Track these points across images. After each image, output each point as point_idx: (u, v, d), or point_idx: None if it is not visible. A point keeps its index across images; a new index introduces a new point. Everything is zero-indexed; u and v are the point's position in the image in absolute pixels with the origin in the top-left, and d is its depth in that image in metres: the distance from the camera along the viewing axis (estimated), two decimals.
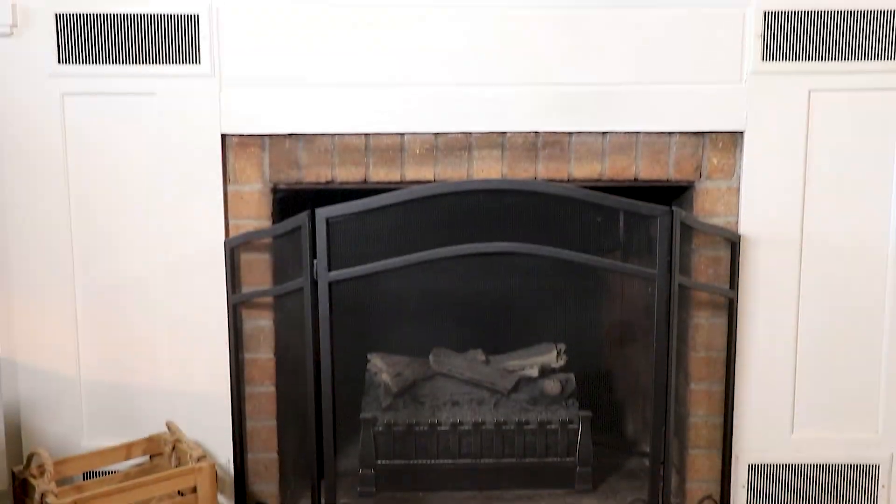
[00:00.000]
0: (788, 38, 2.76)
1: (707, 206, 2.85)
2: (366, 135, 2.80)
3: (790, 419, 2.93)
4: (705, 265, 2.87)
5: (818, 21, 2.75)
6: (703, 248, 2.86)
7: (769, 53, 2.76)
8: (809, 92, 2.79)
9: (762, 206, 2.83)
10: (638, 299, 3.00)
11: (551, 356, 3.14)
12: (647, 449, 2.95)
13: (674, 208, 2.70)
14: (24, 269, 2.82)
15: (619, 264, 2.89)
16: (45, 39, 2.72)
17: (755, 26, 2.75)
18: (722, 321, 2.88)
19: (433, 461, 3.04)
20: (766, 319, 2.88)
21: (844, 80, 2.79)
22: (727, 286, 2.86)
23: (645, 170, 2.83)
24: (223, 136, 2.79)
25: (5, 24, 2.71)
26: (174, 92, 2.76)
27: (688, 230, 2.81)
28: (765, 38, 2.76)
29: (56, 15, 2.71)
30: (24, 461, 2.72)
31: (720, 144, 2.82)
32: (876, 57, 2.76)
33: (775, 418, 2.93)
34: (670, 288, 2.70)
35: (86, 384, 2.88)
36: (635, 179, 2.84)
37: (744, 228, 2.84)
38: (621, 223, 2.88)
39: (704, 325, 2.89)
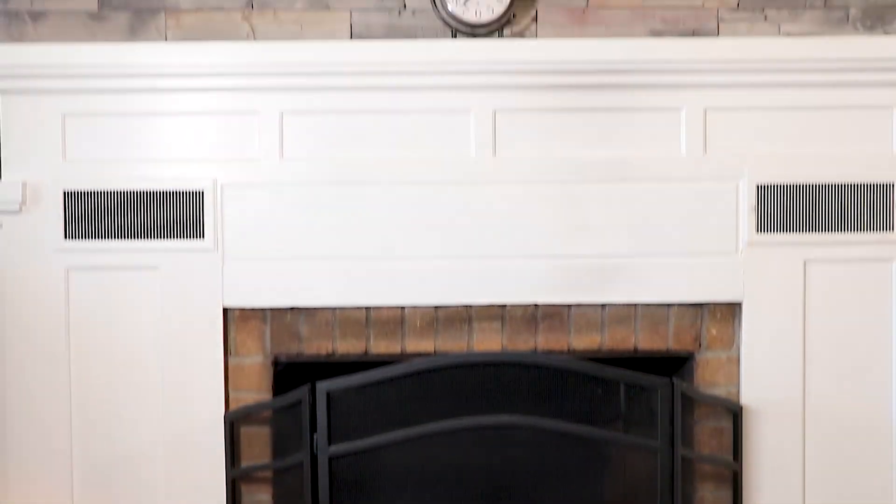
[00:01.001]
0: (782, 211, 2.85)
1: (707, 377, 2.89)
2: (366, 308, 2.86)
3: None
4: (708, 436, 2.89)
5: (811, 193, 2.84)
6: (704, 418, 2.89)
7: (763, 225, 2.85)
8: (805, 262, 2.87)
9: (763, 376, 2.87)
10: (641, 471, 3.01)
11: None
12: None
13: (674, 379, 2.74)
14: (21, 442, 2.84)
15: (621, 436, 2.92)
16: (53, 216, 2.81)
17: (748, 199, 2.84)
18: (727, 493, 2.89)
19: None
20: (771, 491, 2.88)
21: (840, 251, 2.86)
22: (731, 457, 2.87)
23: (644, 341, 2.88)
24: (225, 310, 2.86)
25: (14, 202, 2.80)
26: (177, 266, 2.84)
27: (689, 401, 2.84)
28: (758, 210, 2.85)
29: (65, 192, 2.81)
30: None
31: (718, 315, 2.88)
32: (870, 228, 2.84)
33: None
34: (673, 460, 2.73)
35: None
36: (635, 350, 2.89)
37: (745, 399, 2.87)
38: (622, 394, 2.92)
39: (709, 498, 2.90)
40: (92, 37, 2.87)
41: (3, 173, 2.82)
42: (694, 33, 2.90)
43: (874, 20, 2.90)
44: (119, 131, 2.82)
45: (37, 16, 2.88)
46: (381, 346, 2.87)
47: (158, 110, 2.82)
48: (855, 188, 2.84)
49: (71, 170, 2.82)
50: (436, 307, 2.86)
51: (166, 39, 2.88)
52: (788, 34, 2.89)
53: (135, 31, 2.88)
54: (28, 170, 2.81)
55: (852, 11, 2.90)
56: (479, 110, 2.82)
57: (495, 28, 2.85)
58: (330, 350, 2.87)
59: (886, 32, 2.90)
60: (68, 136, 2.82)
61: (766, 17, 2.90)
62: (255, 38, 2.88)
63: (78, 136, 2.82)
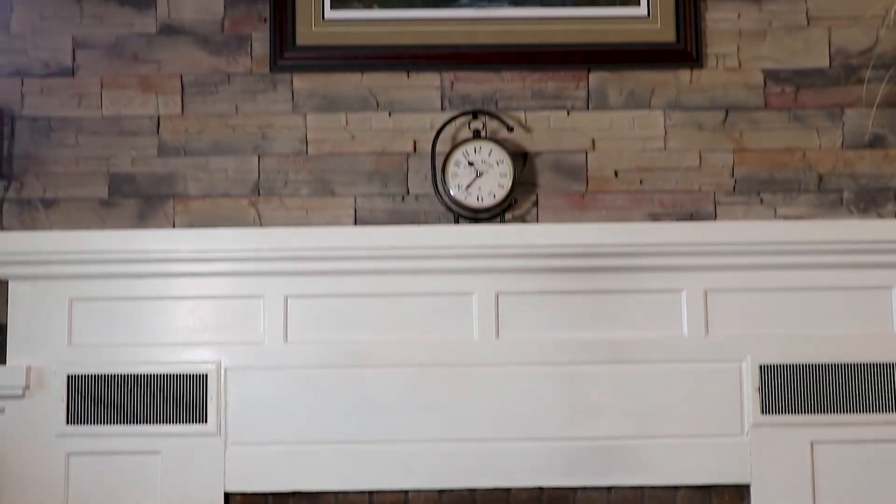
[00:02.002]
0: (786, 391, 2.88)
1: None
2: (370, 492, 2.87)
3: None
4: None
5: (815, 374, 2.89)
6: None
7: (768, 406, 2.88)
8: (812, 443, 2.88)
9: None
10: None
11: None
12: None
13: None
14: None
15: None
16: (55, 401, 2.85)
17: (752, 380, 2.88)
18: None
19: None
20: None
21: (847, 432, 2.88)
22: None
23: None
24: (227, 495, 2.87)
25: (18, 387, 2.85)
26: (179, 450, 2.86)
27: None
28: (763, 391, 2.88)
29: (68, 376, 2.85)
30: None
31: (727, 497, 2.89)
32: (877, 409, 2.87)
33: None
34: None
35: None
36: None
37: None
38: None
39: None
40: (102, 223, 2.97)
41: (8, 358, 2.87)
42: (692, 216, 3.00)
43: (867, 203, 3.00)
44: (125, 315, 2.89)
45: (49, 203, 2.99)
46: None
47: (164, 294, 2.90)
48: (859, 368, 2.88)
49: (75, 354, 2.87)
50: (440, 491, 2.87)
51: (174, 225, 2.98)
52: (784, 217, 2.99)
53: (144, 217, 2.99)
54: (33, 354, 2.87)
55: (846, 194, 3.01)
56: (482, 293, 2.90)
57: (497, 212, 2.96)
58: None
59: (880, 215, 3.00)
60: (75, 320, 2.88)
61: (761, 201, 3.01)
62: (261, 224, 2.98)
63: (84, 321, 2.88)
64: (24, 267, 2.86)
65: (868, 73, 3.00)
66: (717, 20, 3.06)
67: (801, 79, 3.04)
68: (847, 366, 2.88)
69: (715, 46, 3.05)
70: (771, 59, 3.05)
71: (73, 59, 3.03)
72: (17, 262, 2.85)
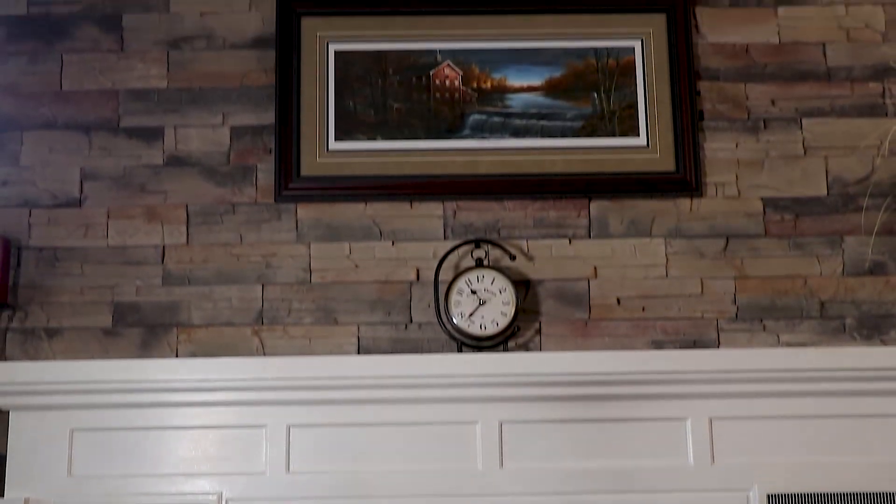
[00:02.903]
0: None
1: None
2: None
3: None
4: None
5: (823, 503, 2.89)
6: None
7: None
8: None
9: None
10: None
11: None
12: None
13: None
14: None
15: None
16: None
17: None
18: None
19: None
20: None
21: None
22: None
23: None
24: None
25: None
26: None
27: None
28: None
29: None
30: None
31: None
32: None
33: None
34: None
35: None
36: None
37: None
38: None
39: None
40: (105, 352, 3.01)
41: (7, 489, 2.87)
42: (695, 343, 3.04)
43: (870, 330, 3.05)
44: (126, 446, 2.91)
45: (52, 332, 3.03)
46: None
47: (166, 424, 2.92)
48: (867, 498, 2.88)
49: (75, 486, 2.87)
50: None
51: (177, 354, 3.02)
52: (788, 344, 3.03)
53: (147, 346, 3.03)
54: (32, 486, 2.87)
55: (848, 321, 3.06)
56: (486, 422, 2.92)
57: (500, 340, 3.00)
58: None
59: (883, 342, 3.04)
60: (75, 451, 2.90)
61: (764, 327, 3.05)
62: (264, 352, 3.02)
63: (84, 452, 2.90)
64: (25, 397, 2.89)
65: (866, 202, 3.08)
66: (716, 149, 3.16)
67: (799, 207, 3.12)
68: (855, 495, 2.88)
69: (714, 175, 3.14)
70: (770, 187, 3.13)
71: (81, 189, 3.11)
72: (19, 393, 2.89)
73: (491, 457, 2.90)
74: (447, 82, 3.17)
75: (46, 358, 3.00)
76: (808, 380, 2.92)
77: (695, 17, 3.25)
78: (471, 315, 2.99)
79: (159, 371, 2.92)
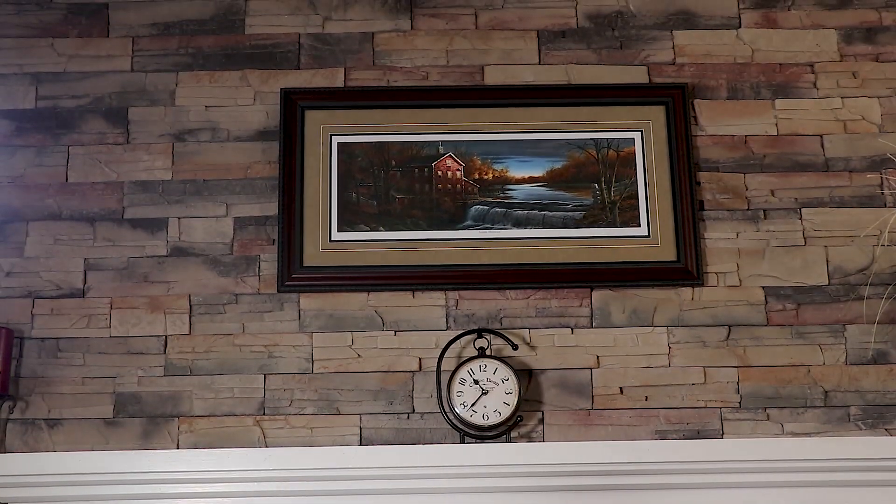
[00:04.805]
0: None
1: None
2: None
3: None
4: None
5: None
6: None
7: None
8: None
9: None
10: None
11: None
12: None
13: None
14: None
15: None
16: None
17: None
18: None
19: None
20: None
21: None
22: None
23: None
24: None
25: None
26: None
27: None
28: None
29: None
30: None
31: None
32: None
33: None
34: None
35: None
36: None
37: None
38: None
39: None
40: (105, 443, 3.07)
41: None
42: (699, 433, 3.10)
43: (875, 419, 3.11)
44: None
45: (53, 423, 3.10)
46: None
47: None
48: None
49: None
50: None
51: (178, 445, 3.08)
52: (793, 433, 3.09)
53: (148, 437, 3.09)
54: None
55: (852, 410, 3.13)
56: None
57: (503, 430, 3.06)
58: None
59: (888, 431, 3.10)
60: None
61: (768, 417, 3.12)
62: (266, 443, 3.09)
63: None
64: (25, 489, 2.94)
65: (867, 290, 3.18)
66: (716, 239, 3.27)
67: (801, 296, 3.22)
68: None
69: (715, 264, 3.24)
70: (771, 276, 3.23)
71: (84, 280, 3.22)
72: (19, 485, 2.94)
73: None
74: (449, 173, 3.31)
75: (47, 449, 3.06)
76: (812, 470, 2.97)
77: (693, 109, 3.39)
78: (473, 405, 3.06)
79: (160, 462, 2.97)
